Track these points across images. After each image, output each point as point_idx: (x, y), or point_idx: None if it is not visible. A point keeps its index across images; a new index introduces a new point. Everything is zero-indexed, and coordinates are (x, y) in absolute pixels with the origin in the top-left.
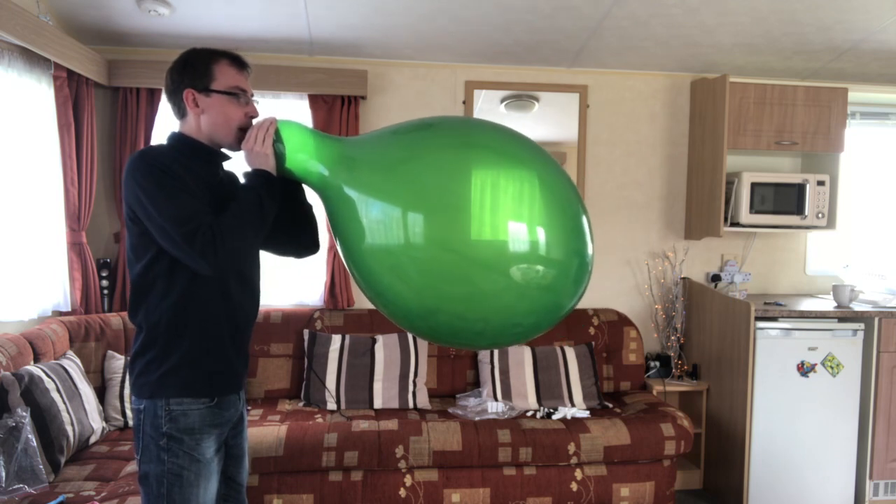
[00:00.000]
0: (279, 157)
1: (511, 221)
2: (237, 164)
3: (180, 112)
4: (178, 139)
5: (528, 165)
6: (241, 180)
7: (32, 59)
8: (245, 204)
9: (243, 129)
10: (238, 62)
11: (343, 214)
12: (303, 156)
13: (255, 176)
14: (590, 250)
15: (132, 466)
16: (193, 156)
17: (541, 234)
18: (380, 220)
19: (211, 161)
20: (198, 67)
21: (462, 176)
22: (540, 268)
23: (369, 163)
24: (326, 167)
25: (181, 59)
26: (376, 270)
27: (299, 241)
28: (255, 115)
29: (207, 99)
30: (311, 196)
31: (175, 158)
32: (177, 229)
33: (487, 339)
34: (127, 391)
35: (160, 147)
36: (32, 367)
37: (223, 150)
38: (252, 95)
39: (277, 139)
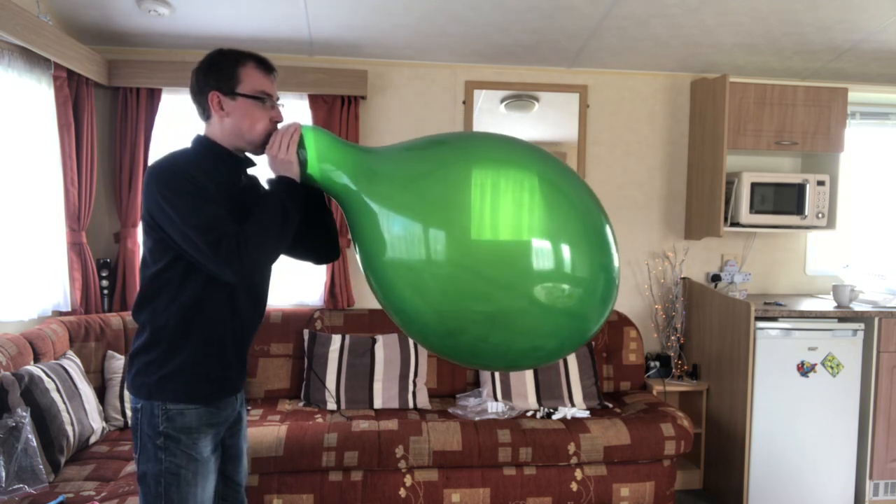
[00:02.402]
0: (302, 163)
1: (532, 238)
2: (261, 170)
3: (205, 114)
4: (202, 144)
5: (545, 178)
6: (265, 186)
7: (32, 59)
8: (269, 211)
9: (267, 134)
10: (265, 66)
11: (364, 226)
12: (326, 164)
13: (280, 183)
14: (616, 263)
15: (132, 466)
16: (217, 162)
17: (564, 251)
18: (401, 234)
19: (234, 168)
20: (224, 69)
21: (481, 191)
22: (565, 287)
23: (391, 175)
24: (349, 177)
25: (207, 60)
26: (397, 285)
27: (319, 248)
28: (280, 119)
29: (233, 102)
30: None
31: (197, 164)
32: (201, 237)
33: (509, 361)
34: (127, 392)
35: (183, 153)
36: (32, 367)
37: (247, 155)
38: (278, 99)
39: (301, 145)
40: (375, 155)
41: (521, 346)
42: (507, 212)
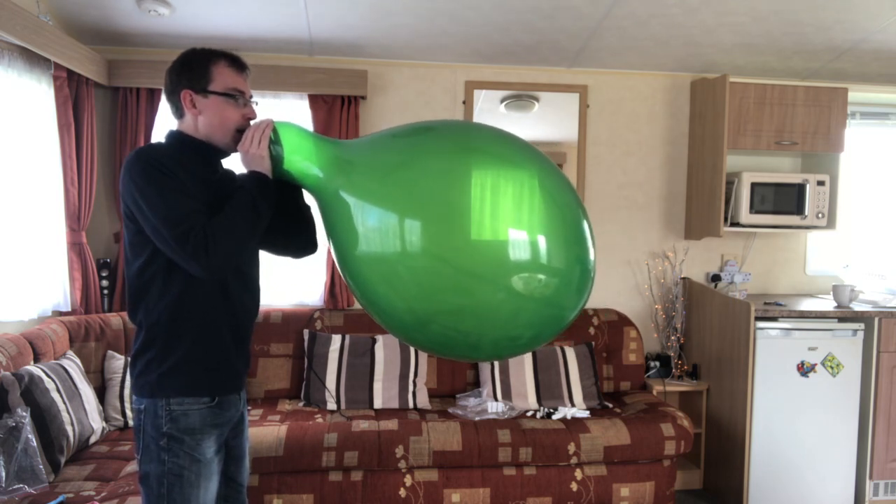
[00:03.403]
0: (276, 159)
1: (509, 229)
2: (234, 164)
3: (178, 112)
4: (175, 137)
5: (524, 169)
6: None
7: (32, 59)
8: (238, 206)
9: (240, 131)
10: (237, 63)
11: (337, 219)
12: (299, 158)
13: (250, 178)
14: (591, 256)
15: (132, 466)
16: (191, 153)
17: (541, 242)
18: (374, 226)
19: (209, 159)
20: (196, 68)
21: (458, 182)
22: (541, 277)
23: (366, 167)
24: (322, 170)
25: (180, 60)
26: (370, 279)
27: (296, 242)
28: (253, 116)
29: (205, 100)
30: (308, 196)
31: (172, 156)
32: (169, 230)
33: (485, 351)
34: (127, 391)
35: (158, 145)
36: (32, 367)
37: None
38: (251, 97)
39: (274, 141)
40: (352, 147)
41: (498, 336)
42: (485, 203)
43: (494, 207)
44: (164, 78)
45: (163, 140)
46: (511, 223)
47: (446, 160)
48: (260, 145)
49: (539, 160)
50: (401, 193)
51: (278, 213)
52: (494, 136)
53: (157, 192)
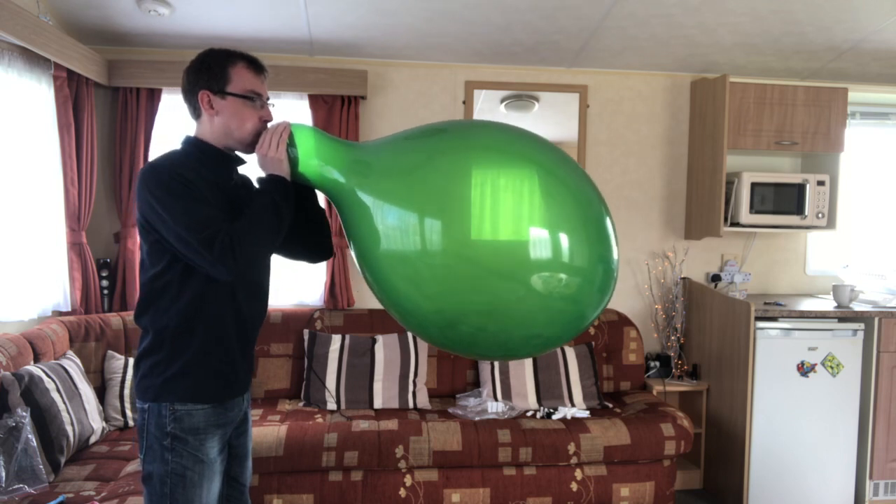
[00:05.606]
0: (292, 161)
1: (531, 227)
2: (251, 169)
3: (195, 112)
4: (192, 144)
5: (545, 167)
6: (256, 185)
7: (32, 59)
8: (261, 209)
9: (257, 133)
10: (255, 65)
11: (357, 220)
12: (316, 161)
13: (270, 181)
14: (615, 255)
15: (132, 466)
16: (207, 161)
17: (563, 241)
18: (395, 226)
19: (225, 166)
20: (214, 69)
21: (478, 181)
22: (563, 276)
23: (384, 168)
24: (340, 172)
25: (198, 60)
26: (392, 278)
27: (312, 246)
28: (270, 119)
29: (222, 101)
30: (321, 199)
31: (187, 165)
32: (194, 236)
33: (507, 350)
34: (127, 391)
35: (172, 154)
36: (32, 367)
37: (237, 153)
38: (268, 99)
39: (291, 143)
40: (368, 149)
41: (520, 335)
42: (506, 202)
43: (516, 205)
44: (182, 78)
45: (178, 146)
46: (533, 221)
47: (465, 159)
48: (278, 149)
49: (558, 157)
50: (421, 193)
51: (294, 218)
52: (512, 133)
53: (178, 202)
